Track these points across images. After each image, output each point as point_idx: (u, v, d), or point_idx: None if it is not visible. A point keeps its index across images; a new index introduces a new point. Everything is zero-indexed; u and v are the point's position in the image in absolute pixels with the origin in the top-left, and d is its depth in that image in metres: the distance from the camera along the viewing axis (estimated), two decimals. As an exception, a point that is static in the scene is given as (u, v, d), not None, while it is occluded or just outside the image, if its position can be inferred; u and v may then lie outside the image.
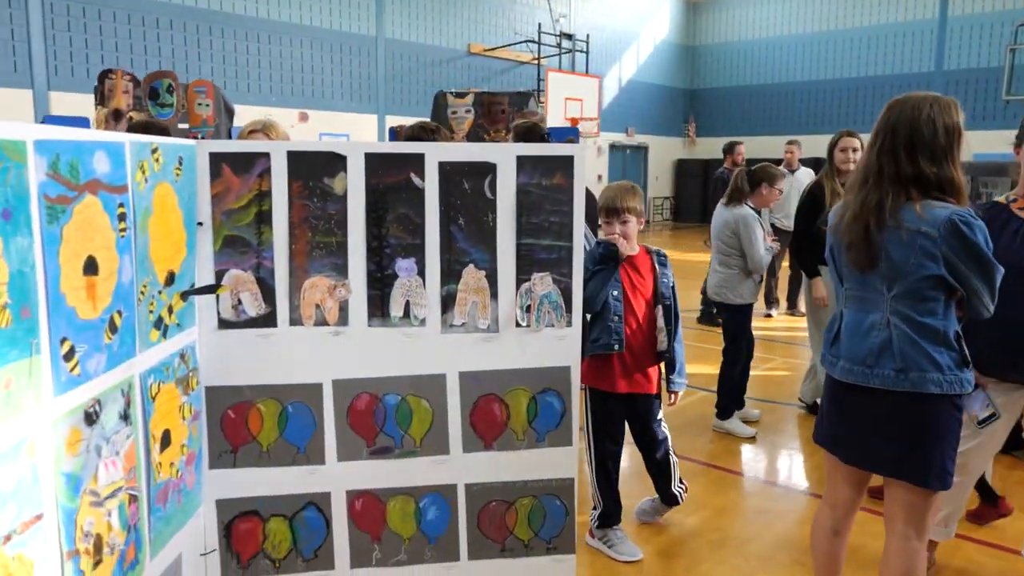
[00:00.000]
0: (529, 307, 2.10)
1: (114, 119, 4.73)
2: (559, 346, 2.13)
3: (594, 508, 3.04)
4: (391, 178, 2.02)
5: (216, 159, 1.95)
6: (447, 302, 2.09)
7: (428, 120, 4.26)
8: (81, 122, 4.47)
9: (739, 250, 4.26)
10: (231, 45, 12.12)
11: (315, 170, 1.99)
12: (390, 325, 2.07)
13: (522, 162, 2.04)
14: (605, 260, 2.84)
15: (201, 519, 2.06)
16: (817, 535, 2.37)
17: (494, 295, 2.09)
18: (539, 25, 16.85)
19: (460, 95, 5.76)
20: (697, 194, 20.49)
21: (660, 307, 2.94)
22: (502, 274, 2.09)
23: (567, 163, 2.05)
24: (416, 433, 2.13)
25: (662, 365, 3.01)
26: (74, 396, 1.42)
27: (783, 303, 8.00)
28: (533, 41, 16.60)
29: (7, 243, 1.22)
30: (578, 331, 2.13)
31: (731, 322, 4.48)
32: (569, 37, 17.61)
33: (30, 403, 1.29)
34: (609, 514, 3.00)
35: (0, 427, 1.21)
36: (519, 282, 2.10)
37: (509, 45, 16.64)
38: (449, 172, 2.03)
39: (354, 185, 2.01)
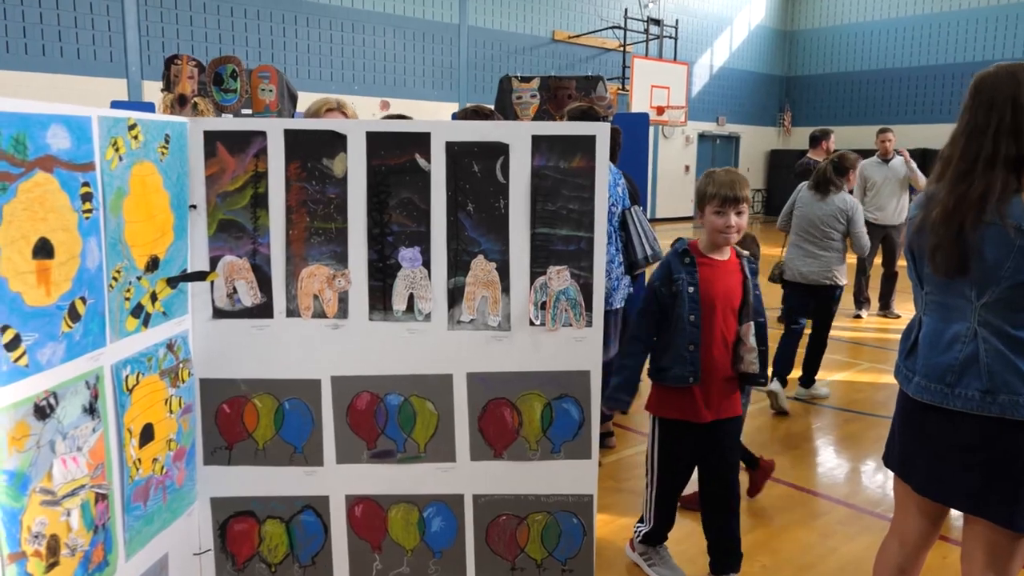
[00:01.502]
0: (544, 304, 1.90)
1: (179, 104, 4.79)
2: (577, 348, 1.92)
3: (640, 521, 2.79)
4: (394, 159, 1.85)
5: (211, 137, 1.83)
6: (454, 296, 1.91)
7: (483, 104, 4.08)
8: (145, 107, 4.53)
9: (843, 235, 4.47)
10: (315, 34, 12.33)
11: (313, 150, 1.85)
12: (393, 319, 1.91)
13: (538, 142, 1.83)
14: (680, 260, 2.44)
15: (194, 517, 1.96)
16: (881, 573, 2.07)
17: (506, 290, 1.90)
18: (625, 11, 16.40)
19: (526, 79, 5.56)
20: (792, 186, 19.44)
21: (751, 323, 2.48)
22: (515, 267, 1.89)
23: (588, 143, 1.83)
24: (420, 437, 1.96)
25: None
26: (19, 388, 1.33)
27: (874, 303, 7.43)
28: (619, 27, 16.16)
29: (-76, 222, 1.12)
30: (599, 332, 1.91)
31: (834, 300, 4.59)
32: (657, 23, 17.06)
33: (-43, 396, 1.19)
34: (656, 534, 2.74)
35: (-84, 421, 1.12)
36: (534, 276, 1.89)
37: (594, 32, 16.28)
38: (457, 153, 1.85)
39: (355, 166, 1.85)
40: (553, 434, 1.96)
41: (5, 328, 1.29)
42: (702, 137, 19.33)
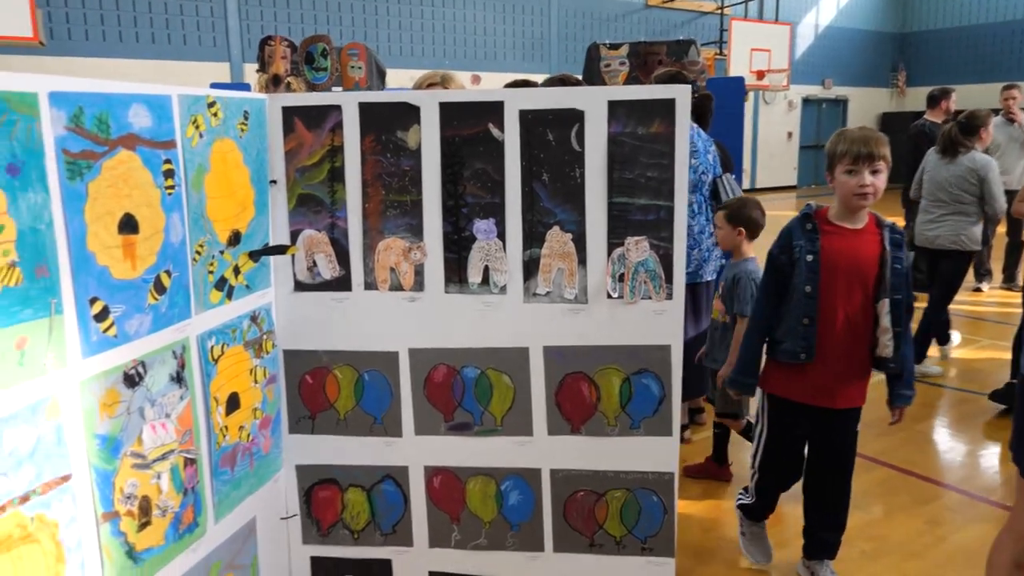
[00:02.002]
0: (623, 276, 1.83)
1: (273, 84, 4.93)
2: (657, 321, 1.84)
3: (744, 491, 2.63)
4: (467, 130, 1.82)
5: (288, 113, 1.86)
6: (530, 268, 1.87)
7: (569, 73, 3.99)
8: (242, 88, 4.67)
9: (979, 197, 4.28)
10: (406, 10, 12.45)
11: (387, 122, 1.84)
12: (468, 292, 1.90)
13: (614, 108, 1.75)
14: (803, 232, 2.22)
15: (281, 483, 2.03)
16: (995, 570, 1.91)
17: (582, 261, 1.85)
18: (724, -29, 15.70)
19: (614, 47, 5.41)
20: (907, 151, 18.04)
21: (885, 300, 2.18)
22: (591, 237, 1.83)
23: (668, 108, 1.73)
24: (497, 410, 1.95)
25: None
26: (109, 357, 1.39)
27: (997, 275, 6.88)
28: (717, -11, 15.51)
29: (14, 200, 1.18)
30: (680, 305, 1.83)
31: (958, 268, 4.47)
32: (758, -18, 16.24)
33: (50, 364, 1.26)
34: (756, 511, 2.61)
35: (13, 387, 1.19)
36: (611, 247, 1.83)
37: (690, -6, 15.70)
38: (531, 122, 1.80)
39: (428, 138, 1.83)
40: (632, 410, 1.91)
41: (94, 300, 1.35)
42: (806, 101, 18.35)
